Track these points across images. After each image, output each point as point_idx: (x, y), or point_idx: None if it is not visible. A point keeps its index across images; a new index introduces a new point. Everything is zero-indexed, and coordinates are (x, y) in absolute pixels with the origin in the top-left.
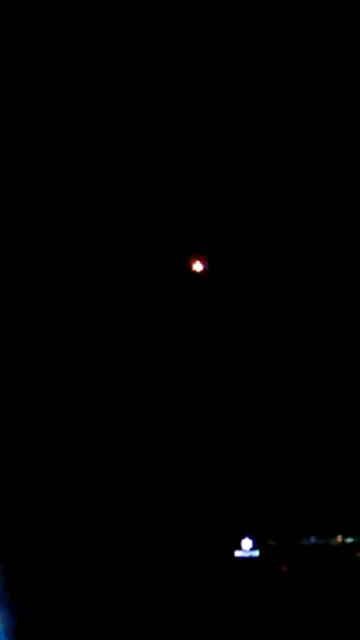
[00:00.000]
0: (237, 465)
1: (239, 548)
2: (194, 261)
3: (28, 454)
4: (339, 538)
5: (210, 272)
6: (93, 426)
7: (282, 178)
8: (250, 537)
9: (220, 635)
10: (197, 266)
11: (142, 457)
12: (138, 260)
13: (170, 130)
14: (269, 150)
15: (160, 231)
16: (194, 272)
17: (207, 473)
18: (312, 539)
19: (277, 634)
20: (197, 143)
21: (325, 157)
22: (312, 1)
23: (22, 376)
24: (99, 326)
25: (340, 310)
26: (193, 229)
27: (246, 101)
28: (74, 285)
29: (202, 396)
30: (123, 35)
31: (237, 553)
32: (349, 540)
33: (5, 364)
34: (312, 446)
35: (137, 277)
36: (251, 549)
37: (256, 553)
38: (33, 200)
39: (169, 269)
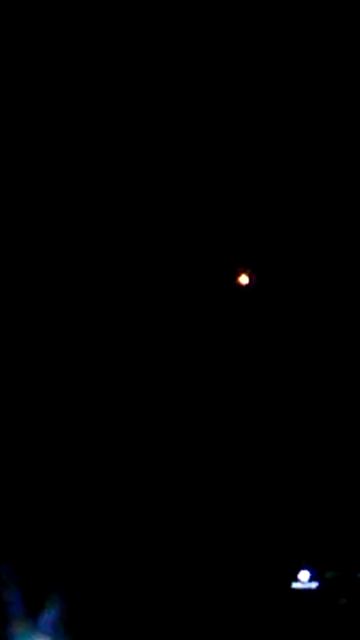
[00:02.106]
0: (295, 495)
1: (297, 580)
2: (240, 275)
3: (28, 454)
4: None
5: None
6: (98, 429)
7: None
8: (308, 569)
9: None
10: (243, 279)
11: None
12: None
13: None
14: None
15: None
16: (240, 286)
17: (262, 497)
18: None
19: None
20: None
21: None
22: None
23: (21, 377)
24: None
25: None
26: (237, 243)
27: (250, 110)
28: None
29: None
30: (123, 34)
31: (295, 585)
32: None
33: (6, 365)
34: None
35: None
36: (309, 581)
37: (314, 585)
38: (42, 208)
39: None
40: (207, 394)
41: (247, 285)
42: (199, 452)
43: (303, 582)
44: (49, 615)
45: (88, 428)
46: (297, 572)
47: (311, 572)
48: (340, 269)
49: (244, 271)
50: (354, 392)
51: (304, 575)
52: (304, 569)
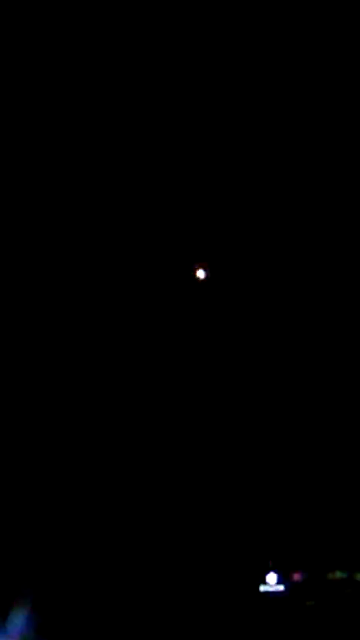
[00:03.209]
0: (260, 495)
1: (264, 582)
2: (197, 269)
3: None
4: None
5: (212, 279)
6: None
7: (281, 181)
8: (275, 572)
9: None
10: (200, 273)
11: (153, 475)
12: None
13: (170, 132)
14: (268, 154)
15: (162, 237)
16: (197, 279)
17: (229, 501)
18: (338, 574)
19: None
20: (197, 147)
21: (325, 159)
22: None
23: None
24: (99, 331)
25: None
26: (194, 236)
27: (246, 105)
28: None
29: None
30: (123, 34)
31: (262, 587)
32: None
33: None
34: (339, 476)
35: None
36: (276, 584)
37: (281, 587)
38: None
39: (171, 275)
40: (170, 387)
41: (203, 280)
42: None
43: (271, 585)
44: (18, 619)
45: (84, 422)
46: (264, 575)
47: (278, 575)
48: (301, 261)
49: (201, 265)
50: (322, 382)
51: (271, 578)
52: (271, 572)
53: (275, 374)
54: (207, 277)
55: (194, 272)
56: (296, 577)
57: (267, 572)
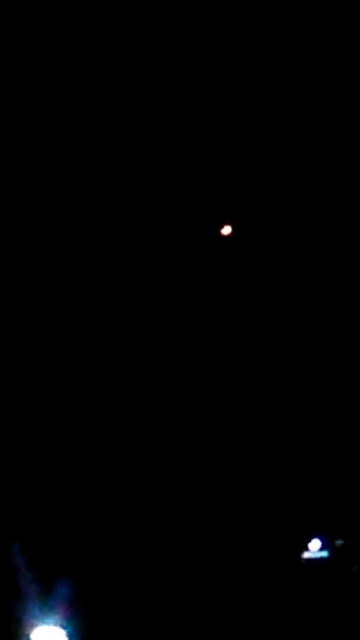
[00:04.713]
0: (303, 463)
1: (307, 549)
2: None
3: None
4: None
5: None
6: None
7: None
8: (318, 538)
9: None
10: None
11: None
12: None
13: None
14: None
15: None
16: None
17: (271, 470)
18: None
19: (347, 636)
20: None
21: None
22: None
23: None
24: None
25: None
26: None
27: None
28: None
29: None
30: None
31: (306, 554)
32: None
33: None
34: None
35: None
36: (320, 550)
37: (325, 554)
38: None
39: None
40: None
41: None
42: (198, 430)
43: (314, 552)
44: (58, 599)
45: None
46: (307, 541)
47: (321, 541)
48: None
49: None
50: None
51: (314, 544)
52: (314, 538)
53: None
54: (232, 234)
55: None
56: (339, 543)
57: (310, 539)
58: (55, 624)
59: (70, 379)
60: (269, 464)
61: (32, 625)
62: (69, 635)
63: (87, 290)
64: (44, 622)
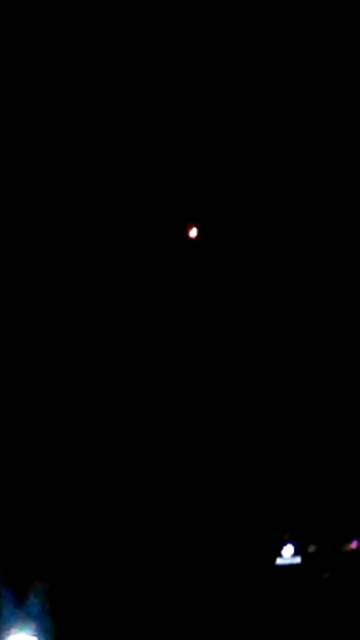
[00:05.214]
0: (276, 467)
1: (280, 555)
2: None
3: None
4: None
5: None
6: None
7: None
8: (291, 544)
9: None
10: (193, 233)
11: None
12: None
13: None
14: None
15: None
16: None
17: (244, 473)
18: (354, 544)
19: None
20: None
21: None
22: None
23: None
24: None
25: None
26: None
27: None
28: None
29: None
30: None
31: (279, 560)
32: None
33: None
34: (356, 447)
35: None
36: (292, 556)
37: (297, 560)
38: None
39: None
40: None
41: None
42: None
43: (286, 558)
44: (33, 607)
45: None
46: (280, 547)
47: (294, 547)
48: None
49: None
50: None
51: (287, 550)
52: (287, 544)
53: (269, 335)
54: (199, 236)
55: (187, 231)
56: (312, 549)
57: (284, 545)
58: (29, 633)
59: (69, 379)
60: (245, 469)
61: (7, 634)
62: None
63: (85, 288)
64: (18, 630)
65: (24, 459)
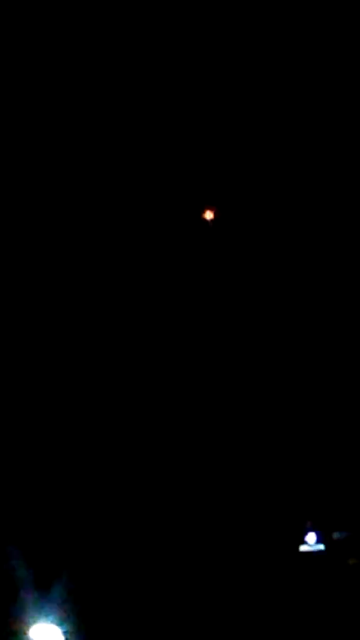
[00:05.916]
0: (299, 457)
1: (304, 542)
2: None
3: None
4: None
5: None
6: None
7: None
8: (314, 531)
9: (289, 632)
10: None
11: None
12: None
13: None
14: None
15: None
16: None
17: (268, 464)
18: None
19: (345, 629)
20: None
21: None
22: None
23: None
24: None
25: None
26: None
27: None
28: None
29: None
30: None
31: (302, 547)
32: None
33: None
34: None
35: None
36: (316, 543)
37: (321, 547)
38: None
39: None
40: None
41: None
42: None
43: (310, 545)
44: (55, 597)
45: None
46: (303, 535)
47: (318, 534)
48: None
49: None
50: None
51: (311, 537)
52: (310, 531)
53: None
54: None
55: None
56: (336, 535)
57: (307, 532)
58: (52, 622)
59: (68, 378)
60: (266, 459)
61: (30, 623)
62: (66, 632)
63: (84, 285)
64: (41, 620)
65: (45, 456)
